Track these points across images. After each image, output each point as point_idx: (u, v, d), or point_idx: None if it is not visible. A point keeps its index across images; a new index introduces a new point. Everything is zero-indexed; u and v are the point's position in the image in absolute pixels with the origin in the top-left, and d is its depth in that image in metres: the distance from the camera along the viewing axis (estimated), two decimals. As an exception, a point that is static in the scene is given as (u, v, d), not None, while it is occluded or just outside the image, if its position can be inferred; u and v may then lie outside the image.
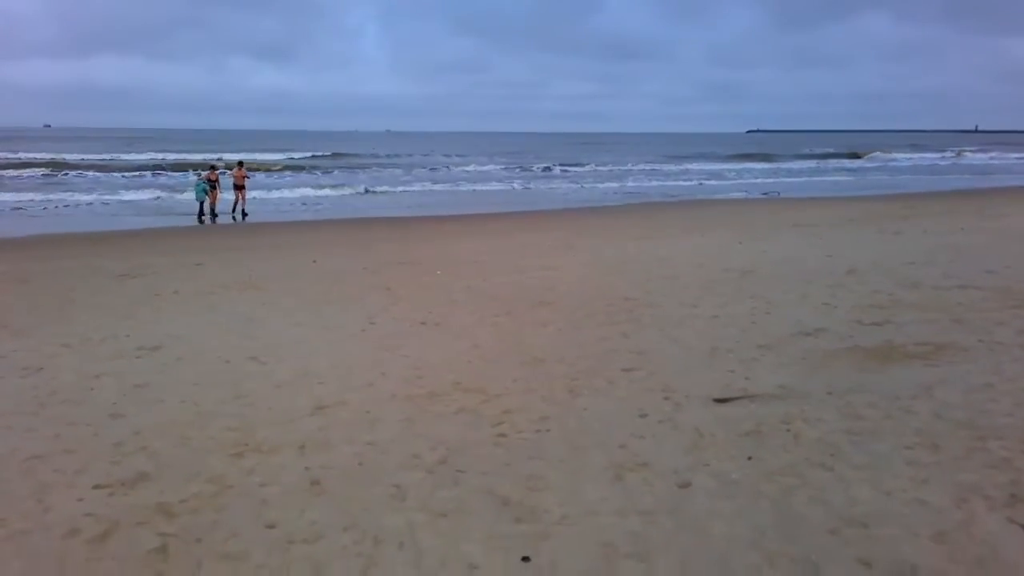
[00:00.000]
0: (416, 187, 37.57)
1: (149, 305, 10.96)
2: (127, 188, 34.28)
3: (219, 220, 23.38)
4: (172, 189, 33.17)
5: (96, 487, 5.24)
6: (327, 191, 34.75)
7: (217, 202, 23.51)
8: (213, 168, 24.74)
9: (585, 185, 40.67)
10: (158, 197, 30.00)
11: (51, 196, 29.86)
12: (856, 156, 70.78)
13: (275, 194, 32.85)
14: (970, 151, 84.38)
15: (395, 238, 18.87)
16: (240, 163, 26.01)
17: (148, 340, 9.03)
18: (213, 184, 23.43)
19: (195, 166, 40.77)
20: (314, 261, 14.88)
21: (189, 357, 8.37)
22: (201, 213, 23.19)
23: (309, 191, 34.26)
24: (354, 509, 4.92)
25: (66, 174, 41.64)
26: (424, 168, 50.68)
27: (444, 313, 10.39)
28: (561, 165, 55.54)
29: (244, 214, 23.73)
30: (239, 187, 24.00)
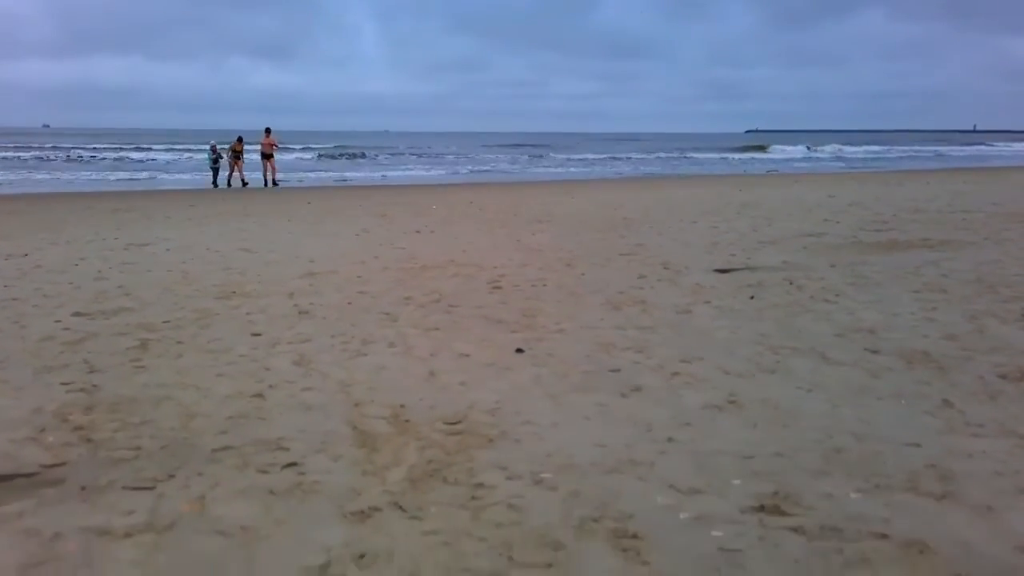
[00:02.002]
0: (419, 171, 37.27)
1: (140, 224, 10.78)
2: (131, 170, 33.90)
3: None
4: (179, 171, 32.79)
5: (76, 314, 5.07)
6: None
7: (240, 172, 22.60)
8: (240, 140, 23.64)
9: (583, 169, 40.45)
10: (154, 177, 29.58)
11: (57, 176, 29.42)
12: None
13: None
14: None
15: (392, 192, 18.70)
16: (267, 130, 23.84)
17: (137, 240, 8.86)
18: (238, 154, 22.69)
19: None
20: (308, 202, 14.70)
21: (178, 249, 8.19)
22: (215, 181, 22.53)
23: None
24: (343, 326, 4.75)
25: (67, 157, 41.24)
26: (423, 156, 50.40)
27: (439, 226, 10.22)
28: (560, 154, 55.27)
29: (275, 183, 22.71)
30: (267, 156, 22.98)
